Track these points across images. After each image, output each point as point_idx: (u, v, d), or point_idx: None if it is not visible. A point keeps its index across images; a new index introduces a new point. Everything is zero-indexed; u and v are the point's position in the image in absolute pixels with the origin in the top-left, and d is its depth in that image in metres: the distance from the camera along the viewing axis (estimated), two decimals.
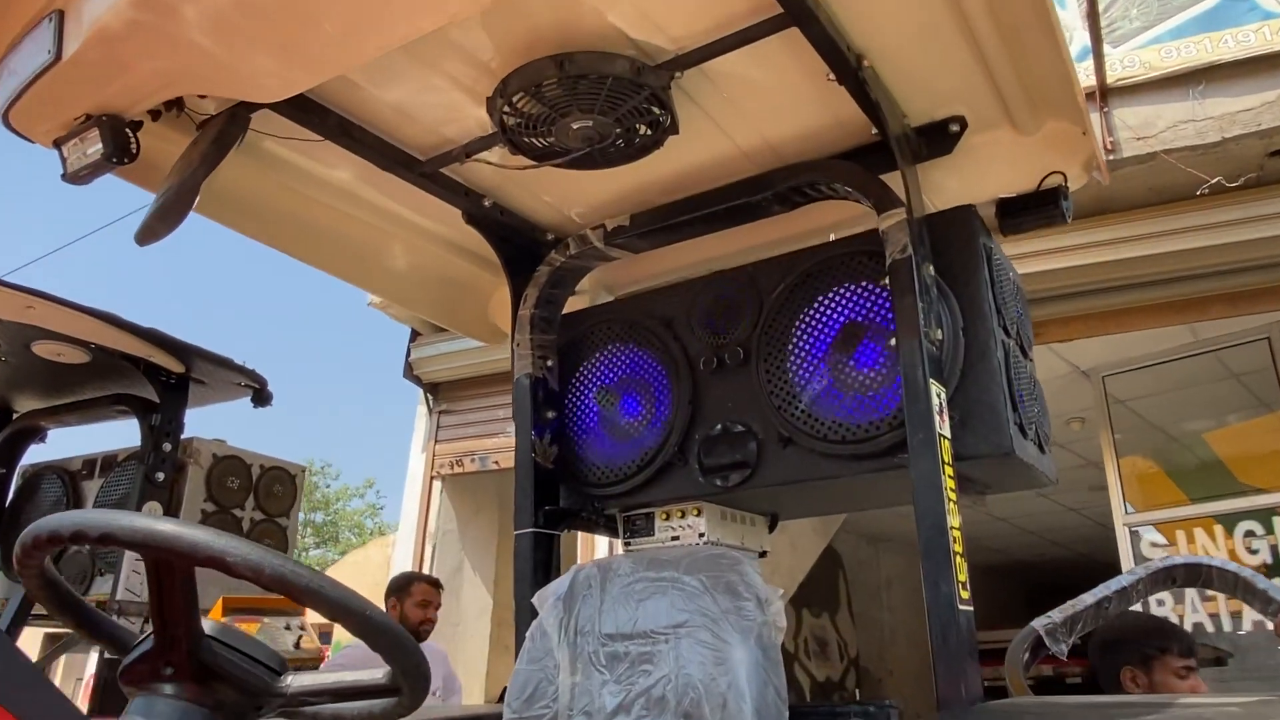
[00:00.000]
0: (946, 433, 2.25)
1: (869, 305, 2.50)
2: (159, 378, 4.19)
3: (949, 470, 2.20)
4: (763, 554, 3.04)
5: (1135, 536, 7.03)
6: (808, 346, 2.56)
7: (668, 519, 2.78)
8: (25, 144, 2.14)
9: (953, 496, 2.18)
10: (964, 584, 2.13)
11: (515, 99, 2.22)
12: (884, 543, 13.41)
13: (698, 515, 2.75)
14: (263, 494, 4.61)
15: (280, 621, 3.79)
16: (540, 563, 2.70)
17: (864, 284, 2.52)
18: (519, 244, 2.98)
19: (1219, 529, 6.79)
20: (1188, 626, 6.71)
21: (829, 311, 2.55)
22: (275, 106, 2.22)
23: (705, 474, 2.67)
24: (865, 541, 12.98)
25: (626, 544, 2.84)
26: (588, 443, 2.88)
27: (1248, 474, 7.49)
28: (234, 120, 2.13)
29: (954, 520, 2.16)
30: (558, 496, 2.86)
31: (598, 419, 2.88)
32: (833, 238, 2.72)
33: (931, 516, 2.14)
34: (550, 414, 2.88)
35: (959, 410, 2.35)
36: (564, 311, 3.07)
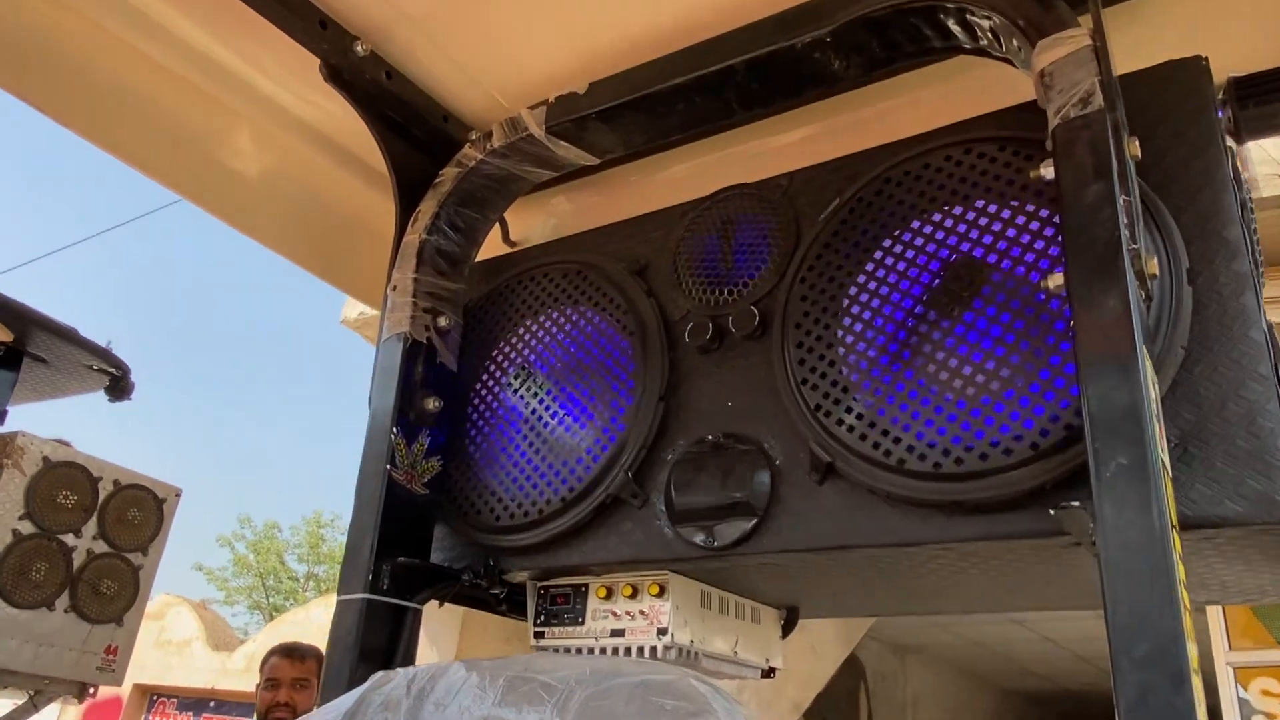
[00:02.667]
0: (1167, 460, 1.07)
1: (1000, 231, 1.35)
2: None
3: (1178, 543, 1.01)
4: (768, 673, 1.84)
5: (1238, 679, 5.63)
6: (878, 306, 1.41)
7: (608, 597, 1.60)
8: None
9: (1187, 602, 0.99)
10: None
11: None
12: (912, 654, 11.88)
13: (659, 595, 1.57)
14: (111, 518, 3.46)
15: None
16: (370, 655, 1.51)
17: (990, 199, 1.38)
18: (414, 133, 1.88)
19: None
20: None
21: (924, 244, 1.41)
22: None
23: (677, 521, 1.50)
24: (890, 651, 11.46)
25: (537, 635, 1.66)
26: (491, 457, 1.72)
27: None
28: None
29: (1192, 652, 0.97)
30: (427, 544, 1.69)
31: (516, 421, 1.73)
32: None
33: (1148, 640, 0.95)
34: (433, 404, 1.73)
35: (1178, 428, 1.17)
36: (483, 258, 1.95)
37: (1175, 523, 1.04)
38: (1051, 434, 1.20)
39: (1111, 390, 1.04)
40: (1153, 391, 1.07)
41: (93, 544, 3.43)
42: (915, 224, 1.42)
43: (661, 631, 1.54)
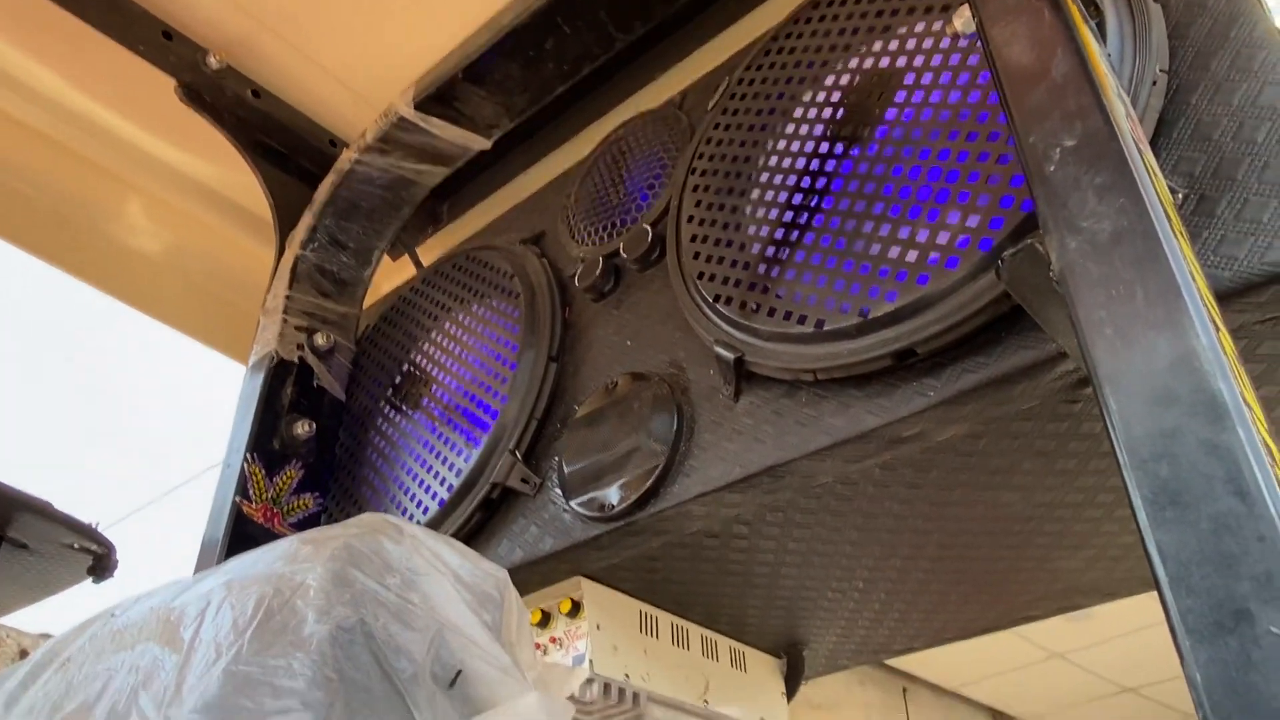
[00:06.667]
0: (1178, 228, 0.69)
1: (903, 36, 1.05)
2: None
3: (1225, 341, 0.61)
4: None
5: None
6: (776, 163, 1.10)
7: None
8: None
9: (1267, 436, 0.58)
10: None
11: None
12: None
13: (572, 614, 1.17)
14: None
15: None
16: None
17: (885, 15, 1.09)
18: (301, 163, 1.70)
19: None
20: None
21: (819, 82, 1.11)
22: None
23: (570, 494, 1.13)
24: None
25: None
26: (379, 488, 1.40)
27: None
28: None
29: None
30: None
31: (406, 441, 1.41)
32: None
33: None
34: (303, 428, 1.43)
35: (1184, 174, 0.81)
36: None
37: (1208, 301, 0.65)
38: (1006, 221, 0.84)
39: (1027, 47, 0.70)
40: (1116, 84, 0.72)
41: None
42: (809, 67, 1.13)
43: (578, 661, 1.13)
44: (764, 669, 1.40)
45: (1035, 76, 0.70)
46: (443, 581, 0.54)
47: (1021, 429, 0.92)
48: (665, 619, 1.26)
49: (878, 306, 0.90)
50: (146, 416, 4.46)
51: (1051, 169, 0.66)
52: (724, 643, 1.35)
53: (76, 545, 3.04)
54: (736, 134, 1.16)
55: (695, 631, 1.30)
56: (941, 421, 0.90)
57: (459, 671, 0.51)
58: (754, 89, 1.18)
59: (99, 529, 3.18)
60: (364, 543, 0.53)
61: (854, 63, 1.07)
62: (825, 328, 0.93)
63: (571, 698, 1.12)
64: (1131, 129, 0.67)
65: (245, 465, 1.34)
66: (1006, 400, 0.86)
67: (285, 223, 1.65)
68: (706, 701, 1.26)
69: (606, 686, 1.14)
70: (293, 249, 1.57)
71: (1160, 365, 0.55)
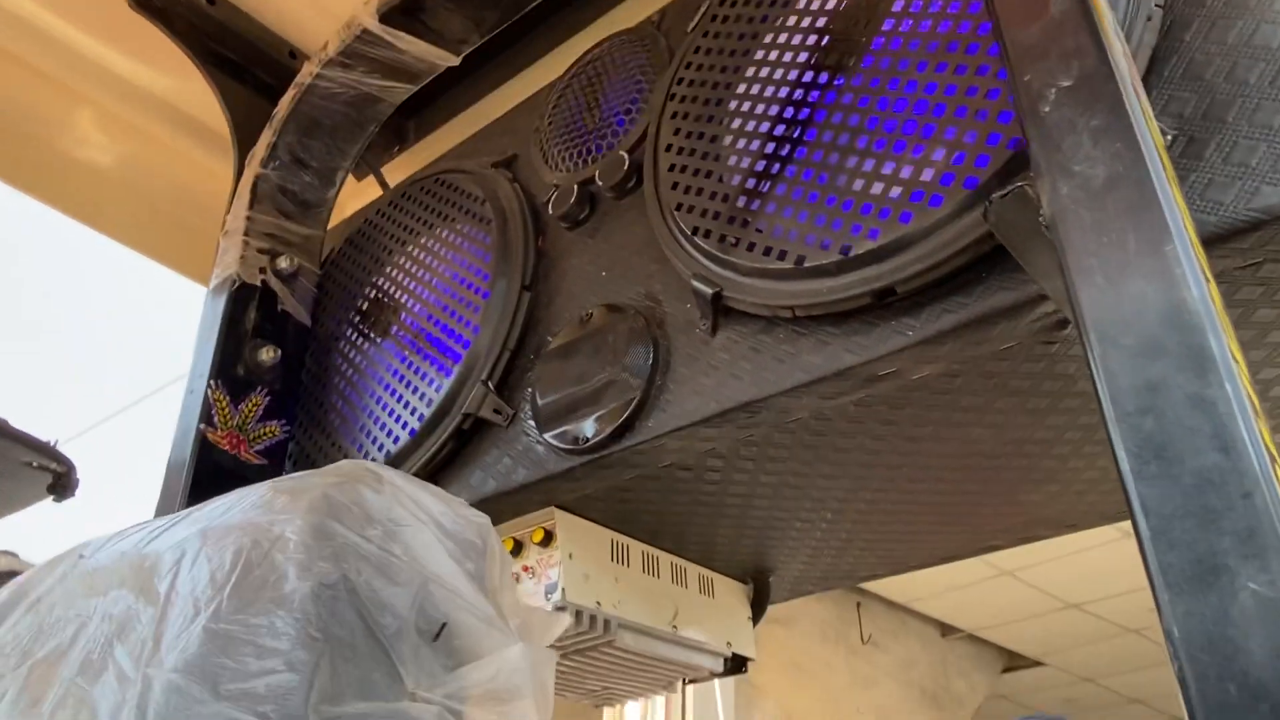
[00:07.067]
0: (1171, 174, 0.67)
1: None
2: None
3: (1214, 293, 0.59)
4: (735, 665, 1.41)
5: None
6: (758, 92, 1.07)
7: None
8: None
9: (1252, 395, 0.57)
10: None
11: None
12: None
13: (545, 543, 1.18)
14: None
15: None
16: None
17: None
18: (259, 75, 1.63)
19: None
20: None
21: (804, 7, 1.07)
22: None
23: (544, 427, 1.12)
24: None
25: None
26: (348, 416, 1.38)
27: None
28: None
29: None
30: None
31: (374, 369, 1.39)
32: None
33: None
34: (268, 354, 1.40)
35: (1174, 115, 0.79)
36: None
37: (1199, 251, 0.64)
38: (992, 160, 0.83)
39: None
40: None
41: None
42: None
43: (550, 590, 1.14)
44: (731, 595, 1.43)
45: (1033, 12, 0.68)
46: (425, 531, 0.53)
47: (997, 368, 0.93)
48: (636, 547, 1.28)
49: (859, 244, 0.89)
50: (103, 332, 4.36)
51: (1047, 110, 0.64)
52: (693, 570, 1.37)
53: (35, 463, 2.98)
54: (717, 59, 1.13)
55: (665, 559, 1.32)
56: (919, 360, 0.89)
57: (444, 624, 0.51)
58: (736, 10, 1.14)
59: (58, 446, 3.12)
60: (343, 493, 0.52)
61: None
62: (805, 264, 0.92)
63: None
64: (1128, 69, 0.65)
65: (209, 391, 1.31)
66: (984, 340, 0.86)
67: (244, 140, 1.59)
68: (675, 627, 1.28)
69: (578, 614, 1.15)
70: (253, 168, 1.51)
71: (1150, 316, 0.55)
